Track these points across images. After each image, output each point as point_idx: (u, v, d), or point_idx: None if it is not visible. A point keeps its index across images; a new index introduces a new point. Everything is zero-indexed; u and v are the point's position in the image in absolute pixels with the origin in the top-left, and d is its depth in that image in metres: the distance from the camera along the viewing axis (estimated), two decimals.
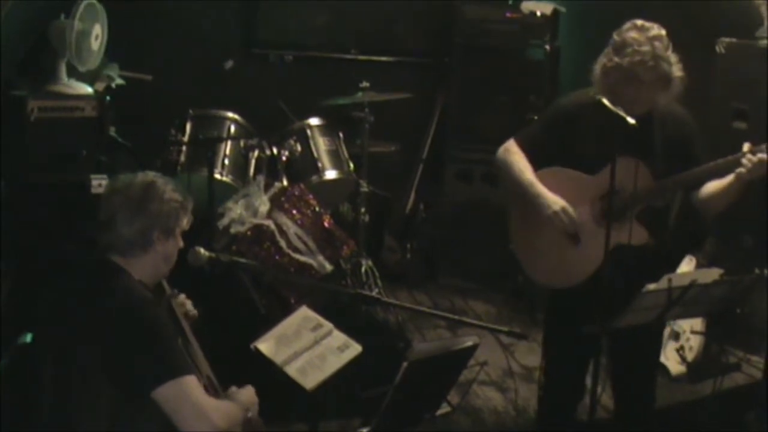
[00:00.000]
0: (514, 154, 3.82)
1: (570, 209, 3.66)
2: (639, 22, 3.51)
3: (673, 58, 3.48)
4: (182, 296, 3.31)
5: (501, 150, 3.88)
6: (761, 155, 3.37)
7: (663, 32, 3.50)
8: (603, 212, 3.63)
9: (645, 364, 3.91)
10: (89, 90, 5.05)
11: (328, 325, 3.14)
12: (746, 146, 3.44)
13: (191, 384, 2.73)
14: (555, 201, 3.67)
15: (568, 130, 3.71)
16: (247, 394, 3.05)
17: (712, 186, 3.56)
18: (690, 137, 3.66)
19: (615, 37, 3.53)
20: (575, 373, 3.87)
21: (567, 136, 3.72)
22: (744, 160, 3.39)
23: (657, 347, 4.07)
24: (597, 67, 3.57)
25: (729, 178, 3.46)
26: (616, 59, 3.47)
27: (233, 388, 3.06)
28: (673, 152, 3.60)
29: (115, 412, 2.71)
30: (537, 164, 3.77)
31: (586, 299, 3.53)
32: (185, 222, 2.99)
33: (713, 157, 3.58)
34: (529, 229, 3.83)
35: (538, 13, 6.43)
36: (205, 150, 5.27)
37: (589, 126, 3.64)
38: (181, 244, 3.02)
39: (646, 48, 3.43)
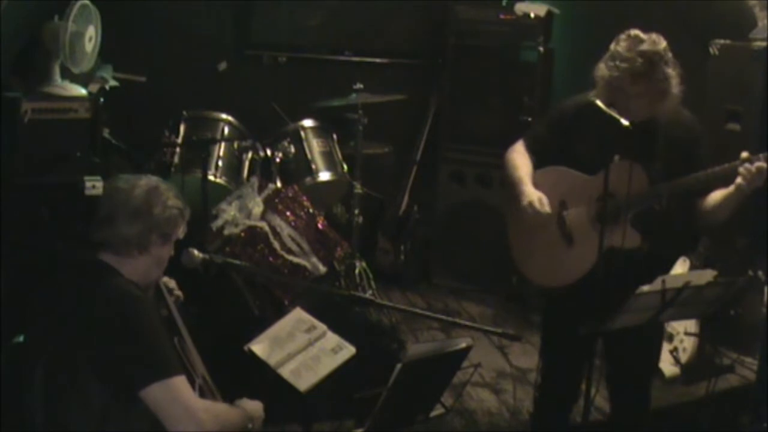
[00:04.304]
0: (515, 152, 3.84)
1: (538, 204, 3.62)
2: (634, 32, 3.47)
3: (677, 68, 3.47)
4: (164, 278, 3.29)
5: (508, 150, 3.89)
6: (759, 164, 3.31)
7: (664, 42, 3.46)
8: (597, 214, 3.63)
9: (640, 367, 3.89)
10: (83, 91, 5.04)
11: (321, 326, 3.14)
12: (744, 154, 3.37)
13: (180, 385, 2.73)
14: (529, 194, 3.65)
15: (569, 131, 3.71)
16: (254, 405, 3.05)
17: (715, 196, 3.52)
18: (693, 141, 3.61)
19: (623, 52, 3.46)
20: (571, 375, 3.86)
21: (568, 137, 3.72)
22: (741, 170, 3.35)
23: (653, 350, 4.04)
24: (598, 76, 3.52)
25: (730, 189, 3.43)
26: (622, 65, 3.42)
27: (244, 400, 3.05)
28: (675, 156, 3.56)
29: (106, 412, 2.71)
30: (543, 165, 3.79)
31: (583, 301, 3.52)
32: (181, 230, 3.01)
33: (709, 159, 3.56)
34: (523, 227, 3.81)
35: (532, 15, 6.42)
36: (198, 151, 5.28)
37: (588, 128, 3.63)
38: (172, 251, 3.03)
39: (654, 58, 3.40)
